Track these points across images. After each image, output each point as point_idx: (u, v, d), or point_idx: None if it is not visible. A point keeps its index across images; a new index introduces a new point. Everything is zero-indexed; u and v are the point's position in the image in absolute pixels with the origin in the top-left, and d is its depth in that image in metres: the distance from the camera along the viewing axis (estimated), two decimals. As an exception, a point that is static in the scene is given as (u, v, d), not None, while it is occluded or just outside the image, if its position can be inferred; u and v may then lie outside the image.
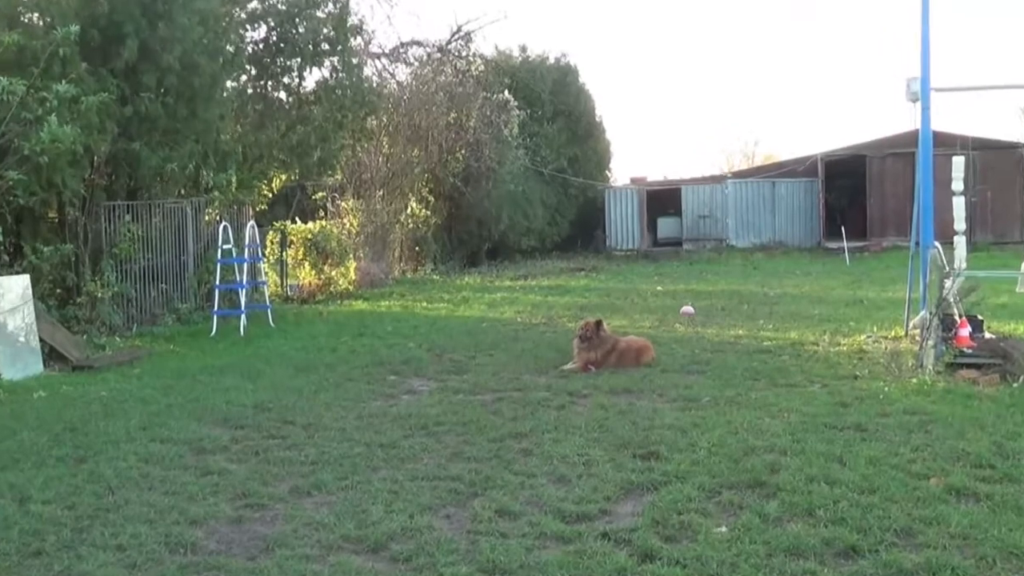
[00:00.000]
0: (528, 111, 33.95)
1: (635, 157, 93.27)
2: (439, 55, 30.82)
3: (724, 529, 5.48)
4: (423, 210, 30.44)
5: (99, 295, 14.77)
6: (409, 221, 29.51)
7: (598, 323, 11.38)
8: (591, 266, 30.71)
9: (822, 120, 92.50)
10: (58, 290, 14.94)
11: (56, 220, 15.77)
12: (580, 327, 11.43)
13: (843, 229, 30.97)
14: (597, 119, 39.41)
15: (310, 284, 21.83)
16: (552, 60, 37.44)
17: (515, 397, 9.50)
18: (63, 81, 13.20)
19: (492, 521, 5.72)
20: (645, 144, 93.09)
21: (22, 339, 11.80)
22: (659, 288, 21.79)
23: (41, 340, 12.10)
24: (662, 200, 36.41)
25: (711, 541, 5.29)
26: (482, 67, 32.53)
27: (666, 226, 36.95)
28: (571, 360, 11.29)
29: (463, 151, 30.43)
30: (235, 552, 5.37)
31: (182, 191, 18.19)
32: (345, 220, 25.50)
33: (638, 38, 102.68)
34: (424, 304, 19.76)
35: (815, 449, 7.01)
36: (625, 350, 11.26)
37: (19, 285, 12.09)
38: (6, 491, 6.47)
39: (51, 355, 12.31)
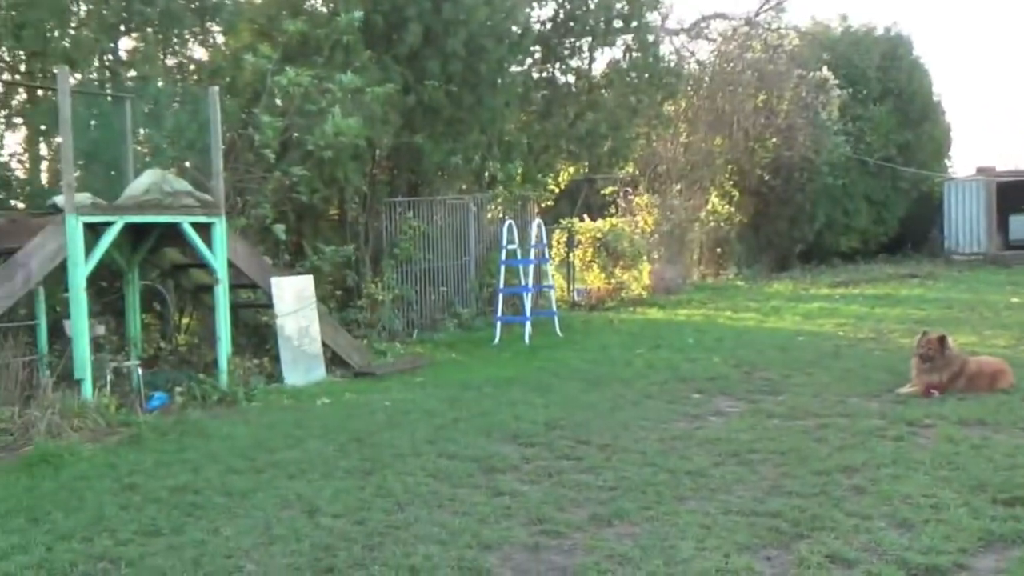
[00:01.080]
0: (850, 91, 32.83)
1: (981, 143, 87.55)
2: (746, 28, 30.39)
3: (1117, 596, 5.06)
4: (726, 206, 30.16)
5: (380, 298, 15.67)
6: (710, 219, 29.32)
7: (942, 339, 10.80)
8: (926, 272, 29.27)
9: None
10: (338, 292, 15.97)
11: (337, 218, 16.89)
12: (920, 344, 10.88)
13: None
14: (934, 99, 37.46)
15: (599, 289, 22.14)
16: (880, 31, 36.03)
17: (841, 424, 9.20)
18: (347, 71, 14.12)
19: (822, 567, 5.55)
20: (994, 127, 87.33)
21: (304, 343, 12.70)
22: (1014, 300, 20.42)
23: (323, 344, 12.97)
24: (1016, 194, 34.09)
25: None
26: (796, 41, 31.74)
27: (1021, 225, 34.60)
28: (908, 383, 10.81)
29: (773, 138, 29.88)
30: (533, 583, 5.52)
31: (464, 186, 18.97)
32: (638, 217, 25.64)
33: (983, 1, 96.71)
34: (728, 313, 19.57)
35: None
36: (976, 373, 10.63)
37: (301, 286, 13.01)
38: (295, 502, 6.98)
39: (333, 360, 13.19)
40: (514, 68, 19.33)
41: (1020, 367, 11.55)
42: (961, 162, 39.47)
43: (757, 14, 30.93)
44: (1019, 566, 5.46)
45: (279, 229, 13.98)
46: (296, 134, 14.29)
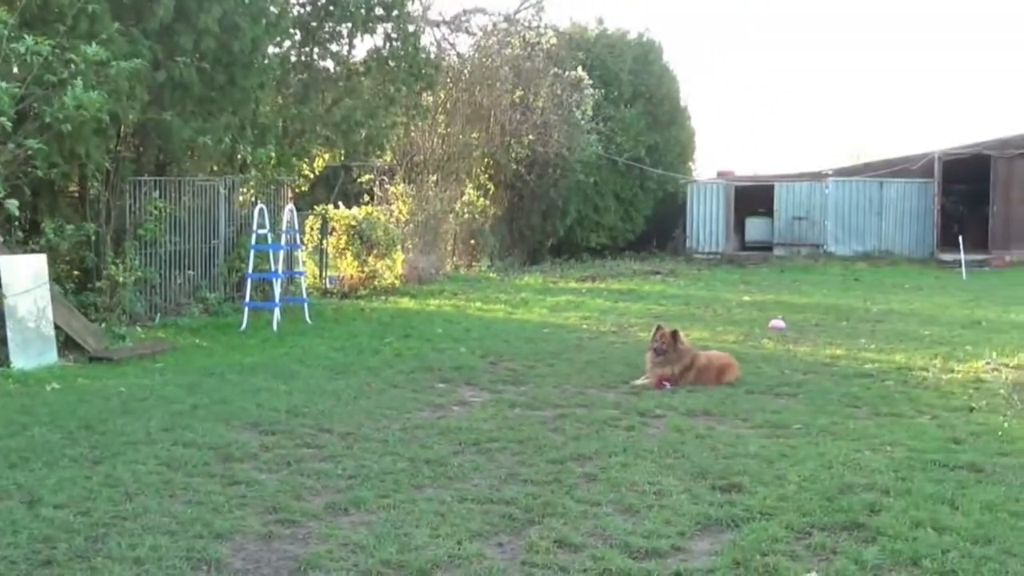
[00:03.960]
0: (603, 91, 33.90)
1: (723, 148, 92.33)
2: (506, 25, 30.89)
3: (815, 575, 5.44)
4: (481, 199, 30.57)
5: (120, 280, 15.06)
6: (465, 211, 29.65)
7: (675, 334, 11.32)
8: (668, 269, 30.63)
9: (940, 115, 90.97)
10: (75, 272, 15.24)
11: (77, 195, 16.12)
12: (655, 338, 11.37)
13: (960, 239, 30.38)
14: (681, 104, 39.24)
15: (352, 277, 22.05)
16: (633, 35, 37.39)
17: (579, 414, 9.51)
18: (91, 42, 13.47)
19: (550, 552, 5.73)
20: (735, 135, 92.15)
21: (35, 325, 12.08)
22: (745, 298, 21.65)
23: (56, 327, 12.37)
24: (752, 198, 36.13)
25: (800, 588, 5.25)
26: (554, 40, 32.52)
27: (755, 228, 36.68)
28: (643, 375, 11.27)
29: (529, 134, 30.51)
30: (263, 572, 5.45)
31: (215, 168, 18.47)
32: (393, 207, 25.66)
33: (730, 14, 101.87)
34: (478, 304, 19.87)
35: (922, 490, 6.90)
36: (705, 367, 11.20)
37: (33, 265, 12.36)
38: (14, 492, 6.63)
39: (66, 344, 12.59)
40: (271, 49, 18.93)
41: (746, 362, 12.30)
42: (704, 165, 41.37)
43: (517, 11, 31.50)
44: (731, 548, 5.79)
45: (12, 204, 13.18)
46: (34, 105, 13.53)
